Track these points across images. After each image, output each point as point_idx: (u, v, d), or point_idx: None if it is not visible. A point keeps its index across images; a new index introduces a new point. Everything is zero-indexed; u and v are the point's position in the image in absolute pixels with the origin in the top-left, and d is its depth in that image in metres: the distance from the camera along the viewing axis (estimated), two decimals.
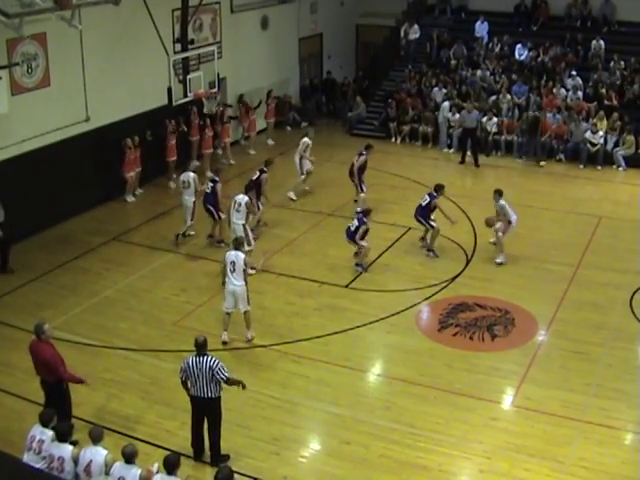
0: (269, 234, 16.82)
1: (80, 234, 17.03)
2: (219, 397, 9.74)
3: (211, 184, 16.23)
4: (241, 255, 12.40)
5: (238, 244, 12.65)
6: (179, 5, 19.50)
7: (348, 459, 10.06)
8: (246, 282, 12.47)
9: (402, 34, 26.08)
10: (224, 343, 12.52)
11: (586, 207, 18.79)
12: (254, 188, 16.17)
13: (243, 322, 13.13)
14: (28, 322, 12.73)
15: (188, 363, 9.64)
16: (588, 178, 20.98)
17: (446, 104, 23.30)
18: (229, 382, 9.72)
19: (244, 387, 9.93)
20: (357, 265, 15.23)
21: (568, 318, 13.51)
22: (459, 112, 23.07)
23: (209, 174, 18.87)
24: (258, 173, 16.76)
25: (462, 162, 22.01)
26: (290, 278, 14.91)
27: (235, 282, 12.36)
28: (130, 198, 18.95)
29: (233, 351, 12.50)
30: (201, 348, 9.69)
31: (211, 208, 16.18)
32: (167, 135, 19.51)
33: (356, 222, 15.04)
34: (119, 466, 8.24)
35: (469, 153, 22.12)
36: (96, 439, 8.46)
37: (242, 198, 15.23)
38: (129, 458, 8.21)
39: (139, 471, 8.18)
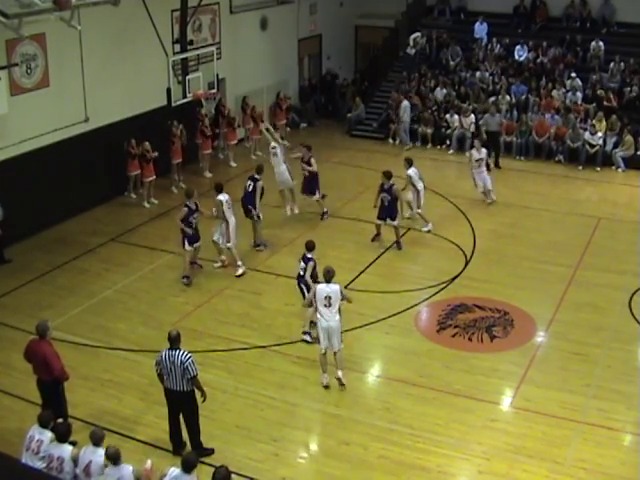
0: (268, 235, 16.76)
1: (79, 235, 17.03)
2: (192, 391, 9.82)
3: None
4: (336, 287, 11.35)
5: (330, 277, 11.41)
6: (178, 6, 19.52)
7: (347, 460, 10.06)
8: (341, 315, 11.47)
9: (411, 43, 25.91)
10: (326, 387, 11.51)
11: (585, 208, 18.80)
12: (252, 198, 15.72)
13: (239, 323, 13.18)
14: (27, 323, 12.77)
15: (162, 356, 9.78)
16: (587, 179, 20.99)
17: (406, 103, 23.29)
18: (196, 381, 9.76)
19: (204, 399, 9.93)
20: (305, 334, 12.82)
21: (567, 319, 13.52)
22: (457, 114, 23.12)
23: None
24: (251, 182, 15.83)
25: (496, 166, 21.34)
26: (289, 279, 14.85)
27: (330, 318, 11.28)
28: (146, 204, 18.75)
29: (231, 352, 12.50)
30: (174, 342, 9.78)
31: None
32: (172, 137, 19.40)
33: (302, 263, 12.98)
34: (110, 469, 8.24)
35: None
36: (97, 441, 8.46)
37: (226, 196, 15.10)
38: (116, 460, 8.21)
39: (131, 468, 8.22)
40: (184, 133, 19.62)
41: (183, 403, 9.91)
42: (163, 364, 9.75)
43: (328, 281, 11.42)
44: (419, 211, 17.05)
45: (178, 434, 10.12)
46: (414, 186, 16.82)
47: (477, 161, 18.16)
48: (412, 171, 16.84)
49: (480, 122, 22.51)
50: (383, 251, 16.14)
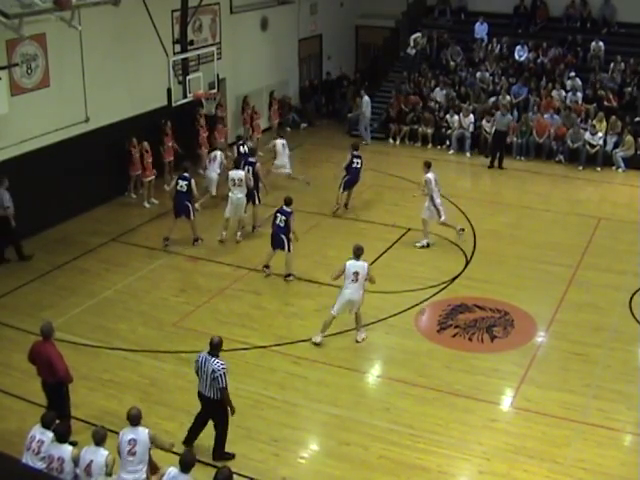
0: (268, 235, 16.74)
1: (79, 235, 17.02)
2: (220, 400, 9.74)
3: (184, 182, 16.00)
4: (365, 265, 12.36)
5: (360, 253, 12.46)
6: (179, 6, 19.51)
7: (347, 460, 10.07)
8: (364, 290, 12.47)
9: (412, 43, 25.87)
10: (317, 344, 12.60)
11: (585, 208, 18.81)
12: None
13: (240, 323, 13.19)
14: (27, 322, 12.81)
15: (199, 357, 9.80)
16: (587, 179, 20.98)
17: (367, 98, 23.52)
18: (224, 394, 9.70)
19: (233, 413, 9.91)
20: (288, 276, 14.88)
21: (567, 319, 13.52)
22: (457, 114, 23.13)
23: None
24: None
25: (491, 166, 21.59)
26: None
27: (355, 292, 12.33)
28: (146, 204, 18.80)
29: (232, 352, 12.49)
30: (213, 348, 9.75)
31: (188, 205, 16.08)
32: (163, 136, 19.45)
33: (282, 217, 14.54)
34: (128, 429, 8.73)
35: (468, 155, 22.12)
36: (99, 441, 8.47)
37: (238, 173, 16.19)
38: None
39: (146, 430, 8.68)
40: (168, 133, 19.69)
41: (210, 410, 9.89)
42: (198, 365, 9.77)
43: (357, 257, 12.38)
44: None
45: (193, 432, 10.10)
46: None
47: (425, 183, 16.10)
48: (278, 141, 18.90)
49: (483, 121, 22.52)
50: (383, 251, 16.14)
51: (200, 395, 9.89)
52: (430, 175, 16.06)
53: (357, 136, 24.06)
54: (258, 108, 23.23)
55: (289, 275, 14.82)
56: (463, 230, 16.55)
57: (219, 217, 17.08)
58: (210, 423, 10.06)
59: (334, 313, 12.51)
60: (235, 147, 18.55)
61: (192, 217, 16.19)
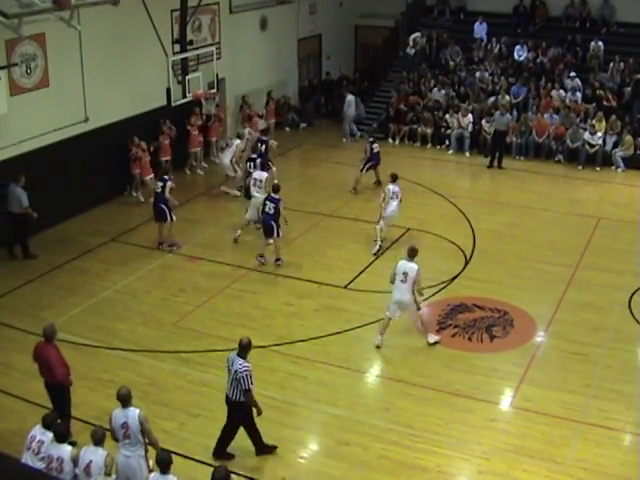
0: None
1: (79, 235, 17.02)
2: (239, 402, 9.65)
3: (161, 183, 15.96)
4: (415, 267, 12.15)
5: (413, 255, 12.32)
6: (178, 6, 19.52)
7: (347, 460, 10.06)
8: (414, 293, 12.28)
9: (411, 43, 25.87)
10: (378, 347, 12.54)
11: (585, 208, 18.79)
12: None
13: (239, 323, 13.19)
14: (27, 323, 12.81)
15: (228, 357, 9.78)
16: (587, 179, 20.98)
17: (350, 97, 23.75)
18: (248, 395, 9.61)
19: (259, 414, 9.82)
20: (277, 260, 15.38)
21: (567, 319, 13.52)
22: (456, 113, 23.12)
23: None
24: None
25: (491, 166, 21.61)
26: (288, 279, 14.92)
27: (403, 293, 12.20)
28: (142, 199, 18.79)
29: (232, 352, 12.47)
30: (241, 349, 9.67)
31: (164, 207, 15.88)
32: (160, 135, 19.44)
33: (271, 204, 14.99)
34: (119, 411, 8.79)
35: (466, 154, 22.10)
36: (98, 441, 8.47)
37: (262, 174, 16.45)
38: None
39: (137, 410, 8.75)
40: (173, 130, 19.76)
41: (230, 410, 9.83)
42: (227, 365, 9.75)
43: (410, 258, 12.29)
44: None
45: (221, 439, 9.99)
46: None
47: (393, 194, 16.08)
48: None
49: (482, 121, 22.52)
50: (383, 251, 16.13)
51: (226, 395, 9.82)
52: (393, 187, 16.06)
53: (353, 135, 24.12)
54: (257, 108, 23.24)
55: (278, 260, 15.22)
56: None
57: (220, 217, 17.11)
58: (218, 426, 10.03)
59: (387, 315, 12.47)
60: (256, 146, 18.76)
61: (169, 221, 15.98)
